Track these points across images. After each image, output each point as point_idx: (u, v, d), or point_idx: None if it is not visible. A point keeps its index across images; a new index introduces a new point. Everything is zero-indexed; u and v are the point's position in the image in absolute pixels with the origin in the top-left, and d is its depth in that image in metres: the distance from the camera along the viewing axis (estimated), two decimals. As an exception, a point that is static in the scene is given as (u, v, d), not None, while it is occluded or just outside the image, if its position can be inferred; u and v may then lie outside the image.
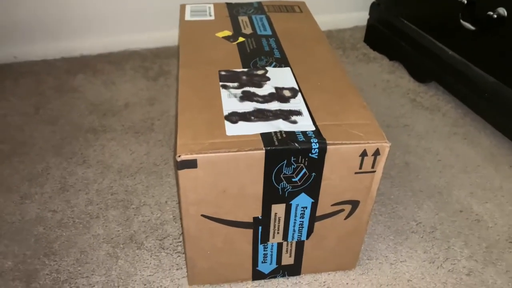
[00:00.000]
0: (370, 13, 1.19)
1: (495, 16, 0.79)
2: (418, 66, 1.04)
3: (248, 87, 0.56)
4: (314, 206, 0.53)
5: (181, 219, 0.69)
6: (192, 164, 0.46)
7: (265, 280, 0.60)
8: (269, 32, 0.70)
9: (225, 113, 0.52)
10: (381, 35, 1.15)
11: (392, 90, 1.03)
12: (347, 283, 0.60)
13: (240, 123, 0.50)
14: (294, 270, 0.60)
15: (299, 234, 0.55)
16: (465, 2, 0.85)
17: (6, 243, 0.65)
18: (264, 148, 0.47)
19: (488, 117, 0.88)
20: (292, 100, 0.54)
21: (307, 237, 0.56)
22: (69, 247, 0.65)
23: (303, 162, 0.48)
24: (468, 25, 0.85)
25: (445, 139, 0.88)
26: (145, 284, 0.60)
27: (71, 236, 0.66)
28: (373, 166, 0.50)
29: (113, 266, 0.62)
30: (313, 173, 0.50)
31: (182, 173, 0.47)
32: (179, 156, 0.45)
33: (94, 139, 0.86)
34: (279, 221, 0.54)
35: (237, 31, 0.70)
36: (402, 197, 0.74)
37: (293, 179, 0.50)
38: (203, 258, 0.56)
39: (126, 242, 0.65)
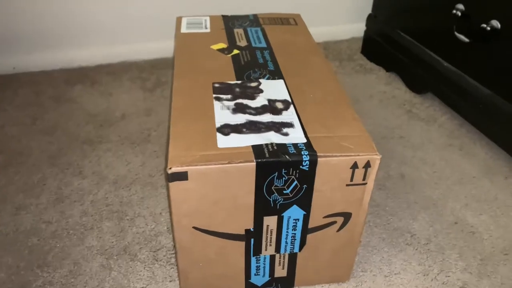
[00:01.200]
0: (367, 25, 1.20)
1: (489, 28, 0.80)
2: (414, 77, 1.05)
3: (241, 99, 0.57)
4: (306, 218, 0.53)
5: (172, 231, 0.69)
6: (183, 176, 0.46)
7: (258, 293, 0.60)
8: (263, 45, 0.71)
9: (218, 125, 0.52)
10: (377, 46, 1.16)
11: (388, 101, 1.03)
12: (340, 296, 0.60)
13: (232, 135, 0.51)
14: (287, 282, 0.60)
15: (292, 246, 0.55)
16: (460, 14, 0.86)
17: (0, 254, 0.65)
18: (255, 161, 0.47)
19: (483, 129, 0.88)
20: (284, 112, 0.55)
21: (300, 249, 0.56)
22: (63, 258, 0.65)
23: (294, 174, 0.48)
24: (462, 37, 0.86)
25: (440, 150, 0.88)
26: (137, 296, 0.60)
27: (65, 247, 0.66)
28: (364, 179, 0.50)
29: (106, 277, 0.62)
30: (305, 185, 0.50)
31: (173, 185, 0.47)
32: (170, 168, 0.46)
33: (90, 150, 0.86)
34: (271, 233, 0.54)
35: (232, 44, 0.71)
36: (397, 208, 0.74)
37: (285, 191, 0.50)
38: (195, 270, 0.56)
39: (119, 254, 0.65)
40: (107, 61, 1.17)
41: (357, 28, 1.27)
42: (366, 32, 1.20)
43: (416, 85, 1.05)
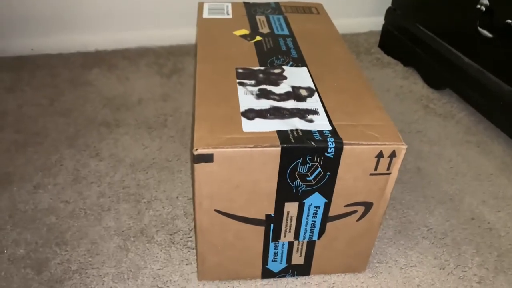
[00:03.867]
0: (385, 18, 1.18)
1: (514, 24, 0.79)
2: (432, 72, 1.04)
3: (264, 85, 0.57)
4: (327, 206, 0.53)
5: (194, 213, 0.69)
6: (208, 158, 0.46)
7: (274, 279, 0.60)
8: (286, 32, 0.71)
9: (242, 109, 0.52)
10: (396, 40, 1.15)
11: (405, 96, 1.03)
12: (356, 286, 0.60)
13: (257, 119, 0.50)
14: (303, 270, 0.60)
15: (311, 234, 0.55)
16: (483, 9, 0.85)
17: (18, 231, 0.65)
18: (280, 145, 0.47)
19: (502, 126, 0.87)
20: (308, 100, 0.54)
21: (319, 237, 0.56)
22: (80, 237, 0.65)
23: (318, 161, 0.48)
24: (485, 32, 0.85)
25: (457, 146, 0.87)
26: (154, 278, 0.60)
27: (82, 227, 0.67)
28: (388, 168, 0.50)
29: (123, 258, 0.62)
30: (328, 173, 0.50)
31: (198, 166, 0.47)
32: (196, 149, 0.46)
33: (107, 133, 0.86)
34: (291, 219, 0.54)
35: (254, 30, 0.71)
36: (414, 202, 0.74)
37: (308, 178, 0.50)
38: (213, 253, 0.56)
39: (136, 236, 0.66)
40: (124, 46, 1.17)
41: (376, 21, 1.26)
42: (384, 25, 1.19)
43: (434, 80, 1.04)
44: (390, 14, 1.17)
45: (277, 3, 0.82)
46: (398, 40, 1.14)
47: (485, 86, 0.88)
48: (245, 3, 0.81)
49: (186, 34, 1.18)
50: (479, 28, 0.86)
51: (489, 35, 0.84)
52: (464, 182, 0.78)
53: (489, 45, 0.86)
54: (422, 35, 1.05)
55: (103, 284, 0.59)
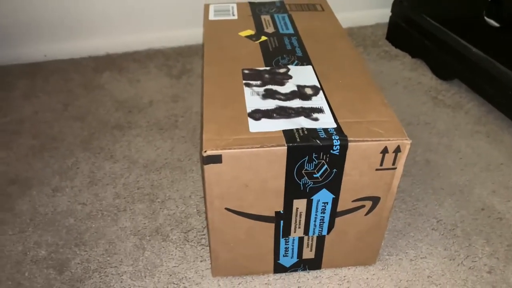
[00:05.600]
0: (392, 10, 1.18)
1: (520, 12, 0.78)
2: (440, 63, 1.03)
3: (270, 85, 0.58)
4: (335, 201, 0.54)
5: (206, 212, 0.71)
6: (217, 159, 0.48)
7: (286, 273, 0.62)
8: (291, 31, 0.72)
9: (248, 110, 0.53)
10: (403, 32, 1.15)
11: (413, 87, 1.03)
12: (367, 278, 0.61)
13: (263, 120, 0.52)
14: (314, 264, 0.61)
15: (320, 229, 0.57)
16: (490, -2, 0.85)
17: (39, 233, 0.68)
18: (286, 145, 0.48)
19: (512, 115, 0.87)
20: (313, 98, 0.56)
21: (328, 232, 0.57)
22: (98, 238, 0.68)
23: (324, 158, 0.50)
24: (492, 22, 0.84)
25: (467, 137, 0.87)
26: (170, 275, 0.62)
27: (100, 227, 0.69)
28: (393, 163, 0.51)
29: (140, 257, 0.65)
30: (334, 170, 0.51)
31: (208, 167, 0.49)
32: (205, 151, 0.47)
33: (120, 135, 0.89)
34: (300, 216, 0.55)
35: (259, 30, 0.72)
36: (423, 194, 0.75)
37: (315, 175, 0.51)
38: (226, 250, 0.58)
39: (152, 235, 0.68)
40: (134, 49, 1.19)
41: (382, 14, 1.26)
42: (391, 17, 1.19)
43: (442, 71, 1.04)
44: (396, 5, 1.16)
45: (281, 2, 0.83)
46: (405, 32, 1.13)
47: (494, 75, 0.87)
48: (250, 3, 0.82)
49: (193, 34, 1.20)
50: (486, 17, 0.85)
51: (496, 24, 0.83)
52: (474, 173, 0.79)
53: (496, 34, 0.85)
54: (429, 26, 1.04)
55: (121, 282, 0.61)
